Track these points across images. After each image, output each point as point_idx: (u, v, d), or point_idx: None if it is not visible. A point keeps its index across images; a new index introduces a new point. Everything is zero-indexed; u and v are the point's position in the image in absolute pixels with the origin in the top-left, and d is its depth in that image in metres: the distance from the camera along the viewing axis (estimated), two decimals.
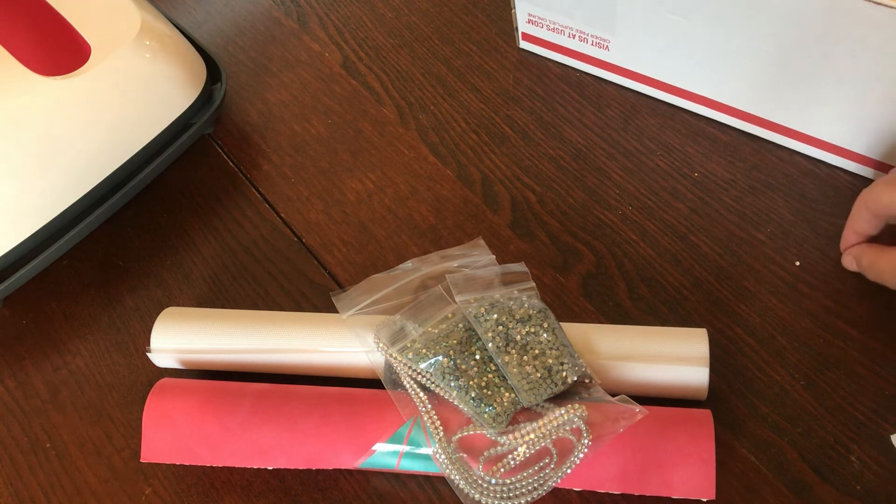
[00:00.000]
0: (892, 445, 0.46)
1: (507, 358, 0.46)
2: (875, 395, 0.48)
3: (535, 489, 0.44)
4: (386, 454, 0.45)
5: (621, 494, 0.45)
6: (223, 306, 0.56)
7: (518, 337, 0.46)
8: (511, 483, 0.44)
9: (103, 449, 0.51)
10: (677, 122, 0.60)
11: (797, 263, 0.52)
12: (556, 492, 0.46)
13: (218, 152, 0.64)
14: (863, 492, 0.45)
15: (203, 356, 0.50)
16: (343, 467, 0.46)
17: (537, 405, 0.45)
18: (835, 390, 0.48)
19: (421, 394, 0.46)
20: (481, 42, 0.67)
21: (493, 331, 0.46)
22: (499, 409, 0.44)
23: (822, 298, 0.51)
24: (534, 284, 0.49)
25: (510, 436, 0.44)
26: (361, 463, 0.46)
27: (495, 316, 0.47)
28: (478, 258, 0.52)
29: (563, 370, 0.45)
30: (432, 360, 0.46)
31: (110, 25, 0.57)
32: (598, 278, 0.54)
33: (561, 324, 0.47)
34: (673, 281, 0.53)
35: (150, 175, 0.59)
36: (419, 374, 0.46)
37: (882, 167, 0.54)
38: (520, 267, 0.50)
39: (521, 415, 0.45)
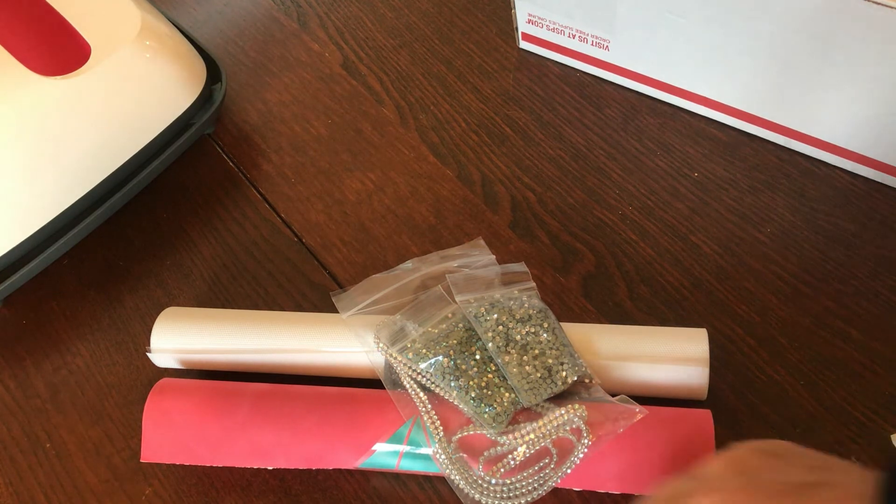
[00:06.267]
0: (893, 445, 0.46)
1: (507, 358, 0.46)
2: (875, 395, 0.48)
3: (535, 489, 0.44)
4: (386, 454, 0.45)
5: (621, 494, 0.45)
6: (223, 306, 0.56)
7: (518, 337, 0.46)
8: (511, 483, 0.44)
9: (103, 449, 0.51)
10: (677, 122, 0.60)
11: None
12: (556, 492, 0.46)
13: (218, 152, 0.64)
14: None
15: (203, 356, 0.50)
16: (343, 467, 0.46)
17: (537, 405, 0.45)
18: (835, 390, 0.48)
19: (421, 394, 0.46)
20: (481, 42, 0.67)
21: (493, 331, 0.46)
22: (499, 409, 0.44)
23: (822, 298, 0.51)
24: (534, 284, 0.49)
25: (510, 436, 0.44)
26: (361, 463, 0.46)
27: (495, 316, 0.47)
28: (478, 258, 0.52)
29: (563, 370, 0.45)
30: (432, 360, 0.46)
31: (110, 25, 0.57)
32: (598, 278, 0.54)
33: (561, 324, 0.47)
34: (673, 281, 0.53)
35: (150, 175, 0.59)
36: (419, 374, 0.46)
37: (882, 167, 0.54)
38: (520, 267, 0.50)
39: (521, 415, 0.45)
